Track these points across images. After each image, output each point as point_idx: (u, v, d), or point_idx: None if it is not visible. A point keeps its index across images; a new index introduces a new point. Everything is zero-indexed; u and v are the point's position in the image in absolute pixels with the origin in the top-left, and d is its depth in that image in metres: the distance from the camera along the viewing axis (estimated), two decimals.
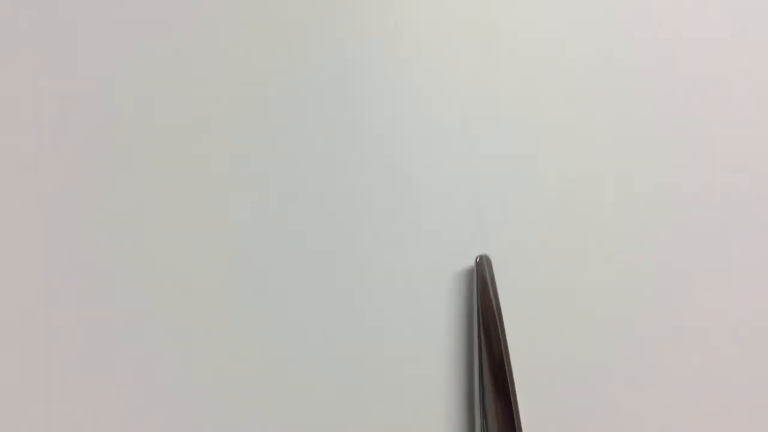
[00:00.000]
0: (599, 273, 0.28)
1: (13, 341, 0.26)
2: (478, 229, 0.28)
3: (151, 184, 0.27)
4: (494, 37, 0.29)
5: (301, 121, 0.28)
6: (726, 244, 0.28)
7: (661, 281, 0.28)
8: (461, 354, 0.27)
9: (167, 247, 0.27)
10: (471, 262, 0.27)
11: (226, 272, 0.27)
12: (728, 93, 0.29)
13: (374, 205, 0.28)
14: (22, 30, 0.28)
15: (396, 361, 0.27)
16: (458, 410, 0.26)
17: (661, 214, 0.28)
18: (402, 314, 0.27)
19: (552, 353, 0.27)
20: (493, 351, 0.25)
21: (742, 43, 0.30)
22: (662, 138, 0.29)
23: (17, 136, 0.28)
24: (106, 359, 0.26)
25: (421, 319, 0.27)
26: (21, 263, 0.27)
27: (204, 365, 0.26)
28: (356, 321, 0.27)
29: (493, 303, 0.26)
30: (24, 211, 0.27)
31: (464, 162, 0.28)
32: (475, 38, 0.29)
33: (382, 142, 0.28)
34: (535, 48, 0.29)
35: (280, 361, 0.26)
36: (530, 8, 0.30)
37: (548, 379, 0.27)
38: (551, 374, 0.27)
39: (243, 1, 0.29)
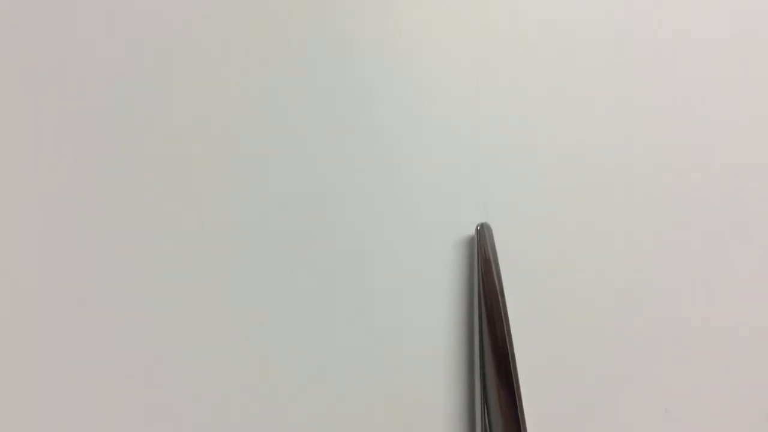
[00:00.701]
0: (604, 251, 0.27)
1: (13, 341, 0.26)
2: (478, 199, 0.27)
3: (151, 184, 0.27)
4: (494, 37, 0.29)
5: (301, 111, 0.28)
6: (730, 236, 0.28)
7: (662, 266, 0.28)
8: (461, 335, 0.26)
9: (168, 247, 0.27)
10: (471, 231, 0.27)
11: (225, 271, 0.27)
12: (728, 93, 0.29)
13: (374, 202, 0.28)
14: (22, 29, 0.28)
15: (393, 345, 0.26)
16: (458, 395, 0.26)
17: (660, 199, 0.28)
18: (401, 294, 0.27)
19: (555, 332, 0.27)
20: (496, 334, 0.24)
21: (742, 43, 0.30)
22: (662, 135, 0.29)
23: (17, 136, 0.28)
24: (106, 359, 0.26)
25: (420, 298, 0.27)
26: (21, 263, 0.27)
27: (204, 365, 0.26)
28: (353, 307, 0.27)
29: (496, 282, 0.25)
30: (24, 211, 0.27)
31: (466, 143, 0.28)
32: (475, 38, 0.29)
33: (383, 130, 0.28)
34: (535, 48, 0.29)
35: (279, 358, 0.26)
36: (530, 8, 0.30)
37: (552, 364, 0.26)
38: (554, 358, 0.26)
39: (243, 0, 0.29)
